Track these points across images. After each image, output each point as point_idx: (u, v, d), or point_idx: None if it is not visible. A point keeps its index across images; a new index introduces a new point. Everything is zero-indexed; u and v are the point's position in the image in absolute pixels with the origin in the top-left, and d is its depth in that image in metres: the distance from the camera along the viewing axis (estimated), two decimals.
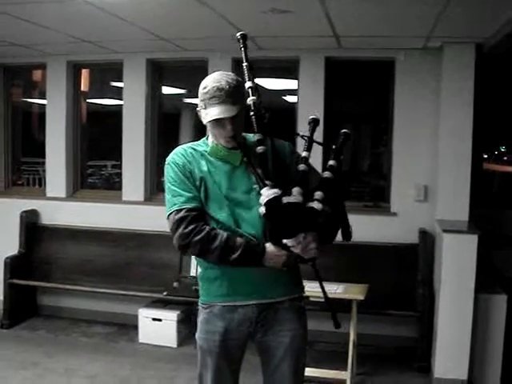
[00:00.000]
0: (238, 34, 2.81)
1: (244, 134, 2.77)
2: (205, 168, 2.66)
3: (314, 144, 2.71)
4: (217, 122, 2.59)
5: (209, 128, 2.69)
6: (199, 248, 2.56)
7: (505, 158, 9.70)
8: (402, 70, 5.87)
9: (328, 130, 5.73)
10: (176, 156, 2.71)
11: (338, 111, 6.51)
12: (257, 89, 2.72)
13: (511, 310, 5.03)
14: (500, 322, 4.97)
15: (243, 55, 2.78)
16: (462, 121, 5.34)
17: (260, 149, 2.60)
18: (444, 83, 5.45)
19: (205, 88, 2.61)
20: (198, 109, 2.69)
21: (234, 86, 2.59)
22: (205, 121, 2.63)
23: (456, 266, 4.93)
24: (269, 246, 2.54)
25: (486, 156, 9.24)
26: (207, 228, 2.56)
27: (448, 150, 5.42)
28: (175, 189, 2.64)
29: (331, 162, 2.63)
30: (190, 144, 2.80)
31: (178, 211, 2.59)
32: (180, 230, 2.57)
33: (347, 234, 2.75)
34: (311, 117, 2.76)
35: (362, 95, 6.72)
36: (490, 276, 5.57)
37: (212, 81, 2.62)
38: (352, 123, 6.93)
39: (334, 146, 2.67)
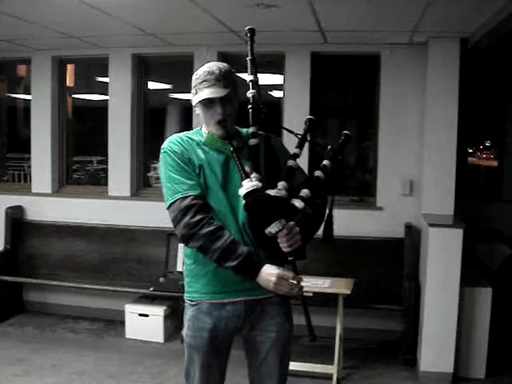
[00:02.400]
0: (247, 28, 2.80)
1: (238, 128, 2.77)
2: (202, 156, 2.64)
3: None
4: (207, 104, 2.59)
5: (201, 114, 2.68)
6: (201, 243, 2.52)
7: (480, 153, 9.69)
8: (387, 65, 5.89)
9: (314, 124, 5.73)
10: (172, 144, 2.66)
11: (324, 106, 6.53)
12: (258, 83, 2.73)
13: (496, 302, 5.06)
14: (485, 315, 5.01)
15: (249, 49, 2.77)
16: (447, 115, 5.37)
17: (253, 141, 2.62)
18: (429, 78, 5.47)
19: (196, 74, 2.64)
20: (191, 98, 2.70)
21: (225, 71, 2.61)
22: (195, 103, 2.65)
23: (441, 259, 4.96)
24: (266, 267, 2.50)
25: (471, 150, 9.28)
26: (215, 223, 2.52)
27: (433, 144, 5.44)
28: (176, 176, 2.59)
29: (325, 162, 2.63)
30: (184, 133, 2.77)
31: (183, 199, 2.54)
32: (187, 219, 2.52)
33: (329, 237, 2.76)
34: (308, 117, 2.77)
35: (347, 90, 6.73)
36: (475, 269, 5.61)
37: (204, 67, 2.65)
38: (338, 118, 6.94)
39: (329, 147, 2.68)
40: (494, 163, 8.78)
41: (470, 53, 5.57)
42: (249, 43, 2.79)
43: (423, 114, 5.60)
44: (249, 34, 2.79)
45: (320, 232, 2.73)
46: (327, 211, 2.76)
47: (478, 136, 9.17)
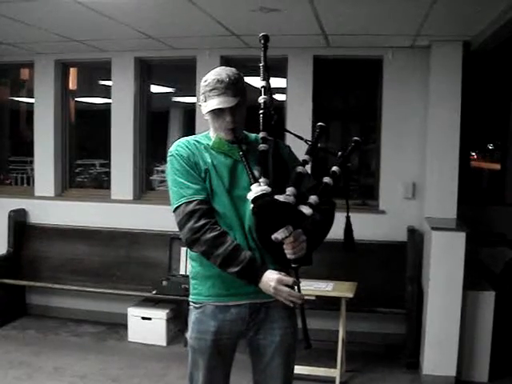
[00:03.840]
0: (261, 35, 2.79)
1: (246, 132, 2.78)
2: (209, 160, 2.65)
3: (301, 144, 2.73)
4: (216, 113, 2.61)
5: (209, 121, 2.69)
6: (204, 248, 2.54)
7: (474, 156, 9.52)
8: (390, 69, 5.89)
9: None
10: (180, 148, 2.68)
11: (327, 109, 6.53)
12: (270, 89, 2.73)
13: (499, 306, 5.06)
14: (488, 319, 5.00)
15: (262, 55, 2.77)
16: (449, 118, 5.37)
17: (262, 146, 2.62)
18: (432, 81, 5.48)
19: (205, 81, 2.65)
20: (199, 103, 2.71)
21: (234, 78, 2.62)
22: (204, 112, 2.66)
23: (444, 263, 4.96)
24: (267, 272, 2.51)
25: (473, 154, 9.25)
26: (218, 229, 2.54)
27: (436, 147, 5.45)
28: (182, 180, 2.61)
29: (334, 168, 2.63)
30: (192, 137, 2.78)
31: (188, 203, 2.56)
32: (190, 224, 2.54)
33: (351, 245, 2.77)
34: (319, 124, 2.77)
35: (350, 93, 6.74)
36: (478, 273, 5.60)
37: (213, 74, 2.65)
38: (340, 121, 6.95)
39: (340, 153, 2.68)
40: (496, 166, 8.77)
41: (473, 56, 5.57)
42: (262, 49, 2.78)
43: (426, 117, 5.60)
44: (262, 41, 2.78)
45: (330, 236, 2.73)
46: (345, 219, 2.78)
47: (480, 139, 9.16)
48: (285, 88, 6.17)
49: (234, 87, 2.59)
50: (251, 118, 2.74)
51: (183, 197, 2.58)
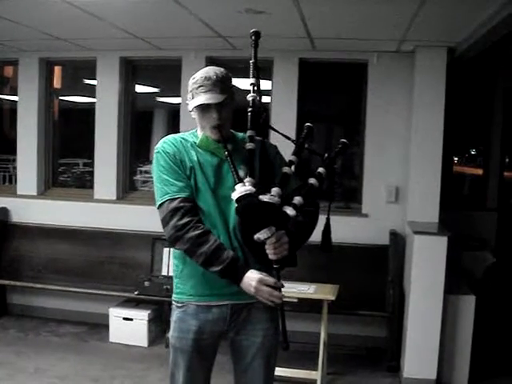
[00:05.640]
0: (251, 31, 2.78)
1: (233, 131, 2.79)
2: (195, 158, 2.66)
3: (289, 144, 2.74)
4: (203, 109, 2.61)
5: (196, 119, 2.70)
6: (187, 246, 2.54)
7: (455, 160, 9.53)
8: (374, 73, 5.92)
9: (301, 130, 5.75)
10: (166, 145, 2.69)
11: (311, 112, 6.53)
12: (259, 87, 2.72)
13: (479, 310, 5.09)
14: (468, 323, 5.03)
15: (252, 52, 2.76)
16: (433, 123, 5.41)
17: (249, 145, 2.62)
18: (416, 86, 5.50)
19: (194, 79, 2.66)
20: (187, 101, 2.71)
21: (222, 76, 2.63)
22: (191, 107, 2.66)
23: (426, 267, 4.99)
24: (249, 272, 2.52)
25: (456, 159, 9.31)
26: (201, 227, 2.54)
27: (419, 152, 5.48)
28: (167, 178, 2.62)
29: (320, 170, 2.64)
30: (179, 134, 2.79)
31: (172, 200, 2.57)
32: (174, 221, 2.54)
33: (328, 245, 2.78)
34: (306, 124, 2.78)
35: (335, 97, 6.75)
36: (459, 277, 5.63)
37: (201, 72, 2.66)
38: (325, 124, 6.95)
39: (326, 155, 2.69)
40: (478, 171, 8.83)
41: (457, 62, 5.61)
42: (253, 46, 2.77)
43: (409, 121, 5.63)
44: (253, 37, 2.77)
45: (313, 239, 2.74)
46: (325, 220, 2.79)
47: (463, 144, 9.23)
48: (270, 90, 6.18)
49: (221, 85, 2.60)
50: (237, 118, 2.74)
51: (167, 194, 2.59)
